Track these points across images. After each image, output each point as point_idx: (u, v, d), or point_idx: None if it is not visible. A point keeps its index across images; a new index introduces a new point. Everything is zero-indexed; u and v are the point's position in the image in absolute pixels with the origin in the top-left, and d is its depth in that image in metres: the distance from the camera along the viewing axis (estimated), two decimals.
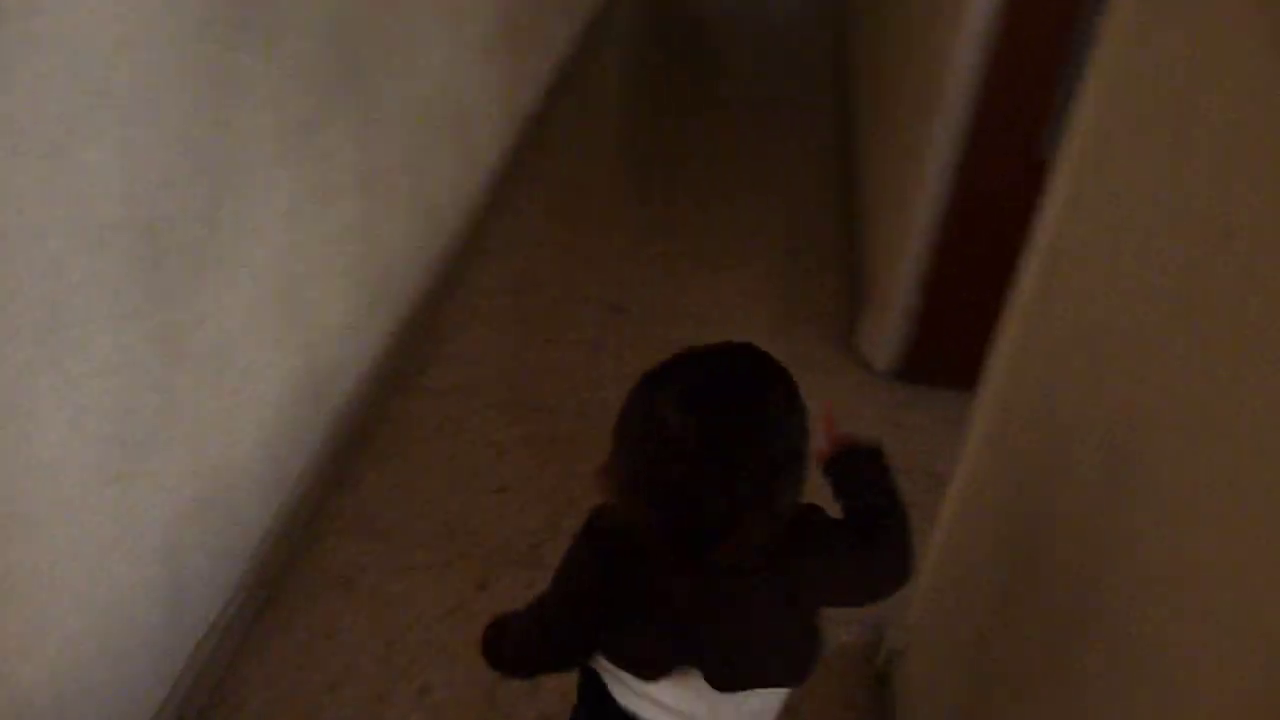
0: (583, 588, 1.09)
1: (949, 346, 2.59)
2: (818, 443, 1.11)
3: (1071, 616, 1.09)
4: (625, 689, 1.11)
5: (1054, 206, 1.33)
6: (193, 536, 1.65)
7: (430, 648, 1.86)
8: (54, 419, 1.27)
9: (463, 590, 1.98)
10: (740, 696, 1.09)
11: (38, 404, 1.24)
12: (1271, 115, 0.81)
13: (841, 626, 1.94)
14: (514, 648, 1.19)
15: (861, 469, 1.15)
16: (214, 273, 1.60)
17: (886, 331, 2.58)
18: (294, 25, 1.77)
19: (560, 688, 1.60)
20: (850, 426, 1.20)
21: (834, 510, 1.13)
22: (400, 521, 2.13)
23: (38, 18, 1.15)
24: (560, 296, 2.90)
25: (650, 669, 1.08)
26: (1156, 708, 0.88)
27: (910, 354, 2.59)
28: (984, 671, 1.43)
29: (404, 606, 1.94)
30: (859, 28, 4.27)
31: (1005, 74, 2.16)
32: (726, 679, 1.07)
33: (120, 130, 1.32)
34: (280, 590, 1.95)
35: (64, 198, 1.23)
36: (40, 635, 1.32)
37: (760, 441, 0.95)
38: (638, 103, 4.22)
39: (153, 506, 1.52)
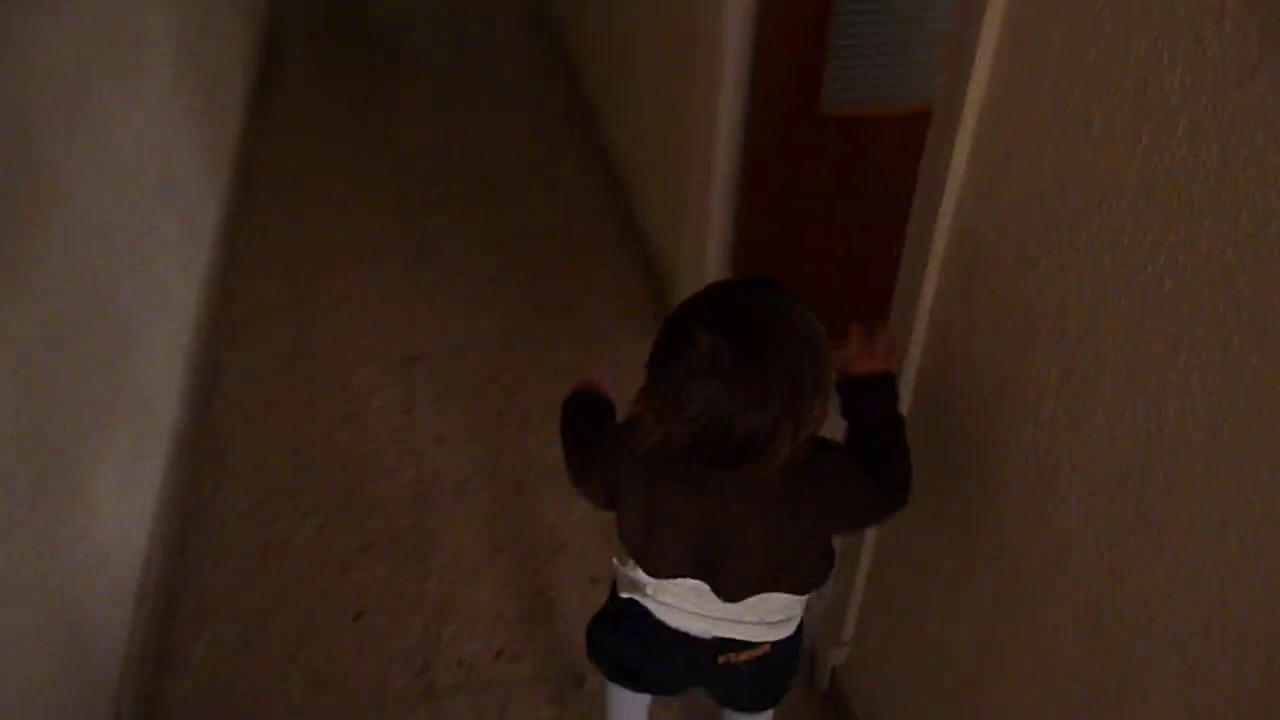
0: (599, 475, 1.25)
1: None
2: (838, 359, 1.17)
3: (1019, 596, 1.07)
4: (646, 597, 1.27)
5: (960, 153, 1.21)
6: None
7: None
8: None
9: None
10: (750, 605, 1.22)
11: None
12: None
13: None
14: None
15: (867, 396, 1.20)
16: None
17: None
18: None
19: None
20: None
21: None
22: None
23: None
24: (341, 359, 2.55)
25: (658, 568, 1.23)
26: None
27: None
28: (935, 668, 1.40)
29: None
30: (577, 15, 4.06)
31: (778, 34, 2.04)
32: (732, 592, 1.20)
33: None
34: None
35: None
36: None
37: (787, 363, 1.00)
38: (349, 119, 3.78)
39: None
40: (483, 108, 3.77)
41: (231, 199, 2.98)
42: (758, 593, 1.21)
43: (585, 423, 1.34)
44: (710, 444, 1.03)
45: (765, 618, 1.25)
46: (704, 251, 2.36)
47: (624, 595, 1.30)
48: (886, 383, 1.21)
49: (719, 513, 1.15)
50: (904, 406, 1.36)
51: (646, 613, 1.29)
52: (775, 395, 0.99)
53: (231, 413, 2.38)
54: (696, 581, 1.21)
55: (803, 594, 1.25)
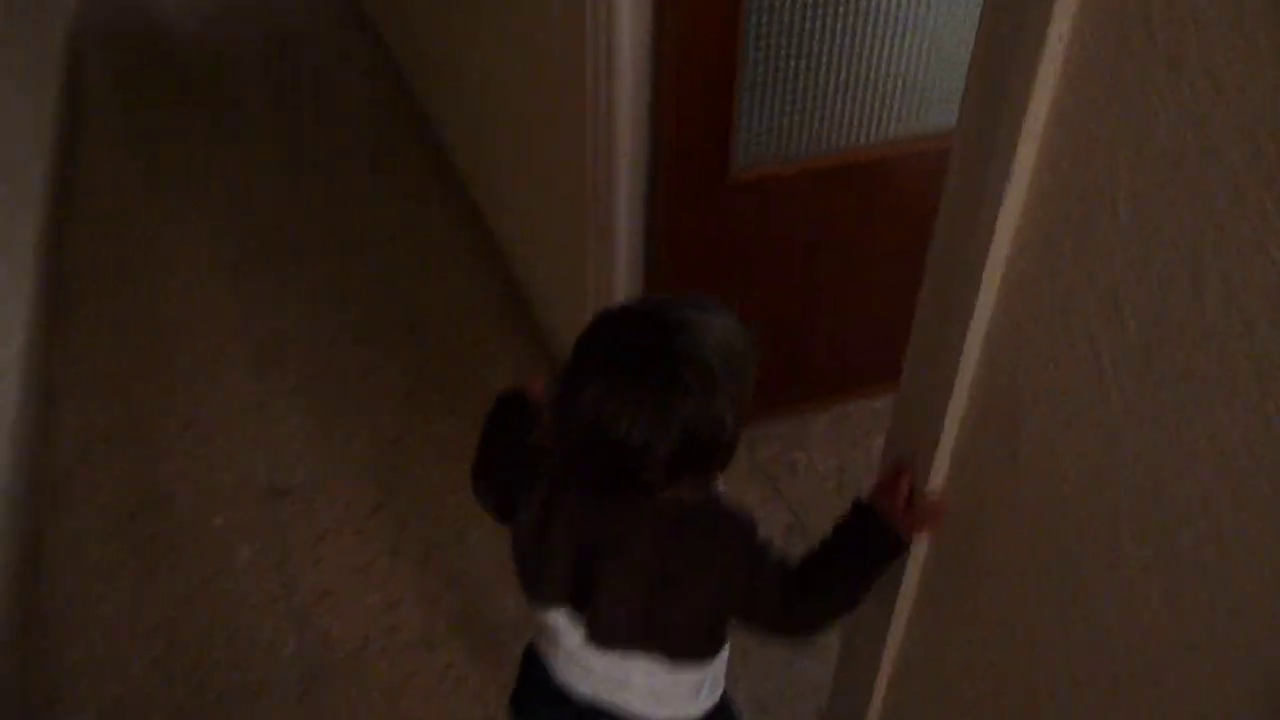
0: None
1: None
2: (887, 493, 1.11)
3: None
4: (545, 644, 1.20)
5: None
6: None
7: None
8: None
9: None
10: (623, 663, 1.12)
11: None
12: None
13: None
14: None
15: (868, 534, 1.09)
16: None
17: None
18: None
19: None
20: None
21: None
22: None
23: None
24: (194, 505, 2.14)
25: (534, 589, 1.15)
26: None
27: None
28: None
29: None
30: (425, 63, 3.70)
31: (680, 97, 1.77)
32: (602, 636, 1.11)
33: None
34: None
35: None
36: None
37: (684, 379, 0.92)
38: (175, 196, 3.32)
39: None
40: (331, 169, 3.36)
41: (38, 320, 2.52)
42: (627, 647, 1.12)
43: (495, 423, 1.24)
44: (588, 455, 0.98)
45: (641, 690, 1.15)
46: None
47: (529, 643, 1.27)
48: (895, 543, 1.10)
49: (600, 535, 1.08)
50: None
51: (544, 668, 1.22)
52: (654, 411, 0.91)
53: (58, 596, 1.96)
54: (571, 622, 1.13)
55: (676, 664, 1.12)
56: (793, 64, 1.81)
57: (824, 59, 1.82)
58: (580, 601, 1.11)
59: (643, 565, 1.06)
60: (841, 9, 1.77)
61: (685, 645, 1.11)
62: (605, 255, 1.96)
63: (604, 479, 1.00)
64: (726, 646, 1.15)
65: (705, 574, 1.06)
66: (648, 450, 0.92)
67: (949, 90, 1.95)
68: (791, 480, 2.20)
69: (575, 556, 1.09)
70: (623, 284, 1.99)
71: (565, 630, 1.14)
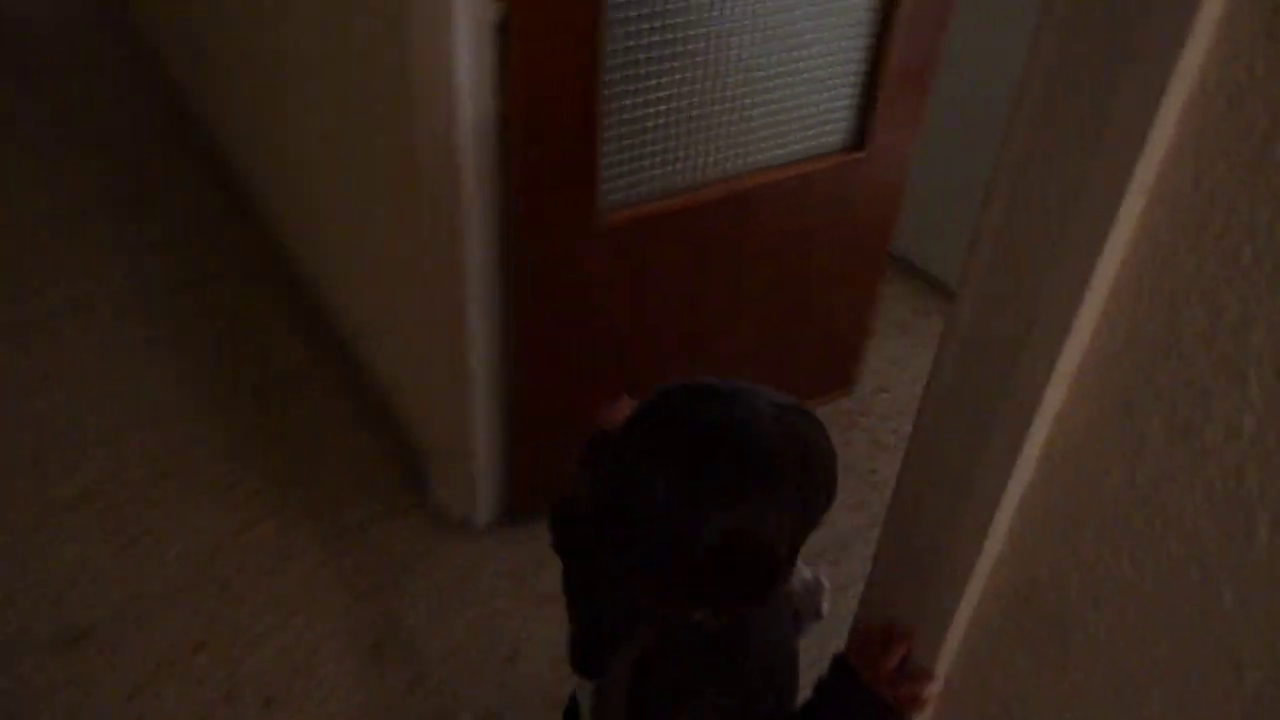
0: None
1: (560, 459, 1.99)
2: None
3: None
4: None
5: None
6: None
7: None
8: None
9: None
10: None
11: None
12: None
13: None
14: None
15: (853, 700, 0.90)
16: None
17: (473, 472, 1.89)
18: None
19: None
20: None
21: None
22: None
23: None
24: None
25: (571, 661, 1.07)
26: None
27: (515, 486, 1.94)
28: None
29: None
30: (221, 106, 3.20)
31: (535, 143, 1.49)
32: None
33: None
34: None
35: None
36: None
37: (648, 518, 0.78)
38: None
39: None
40: (123, 229, 2.86)
41: None
42: None
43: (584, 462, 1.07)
44: (610, 539, 0.84)
45: None
46: (469, 415, 1.78)
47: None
48: (885, 711, 0.89)
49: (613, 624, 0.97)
50: None
51: None
52: (632, 544, 0.80)
53: None
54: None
55: None
56: (651, 109, 1.58)
57: (679, 101, 1.60)
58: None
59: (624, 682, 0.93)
60: (696, 55, 1.55)
61: None
62: (454, 329, 1.67)
63: (612, 553, 0.85)
64: None
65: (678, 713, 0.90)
66: (677, 542, 0.77)
67: (798, 124, 1.78)
68: None
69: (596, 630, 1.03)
70: (480, 359, 1.70)
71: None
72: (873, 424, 2.28)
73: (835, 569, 1.88)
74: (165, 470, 2.05)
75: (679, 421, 0.80)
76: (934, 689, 0.90)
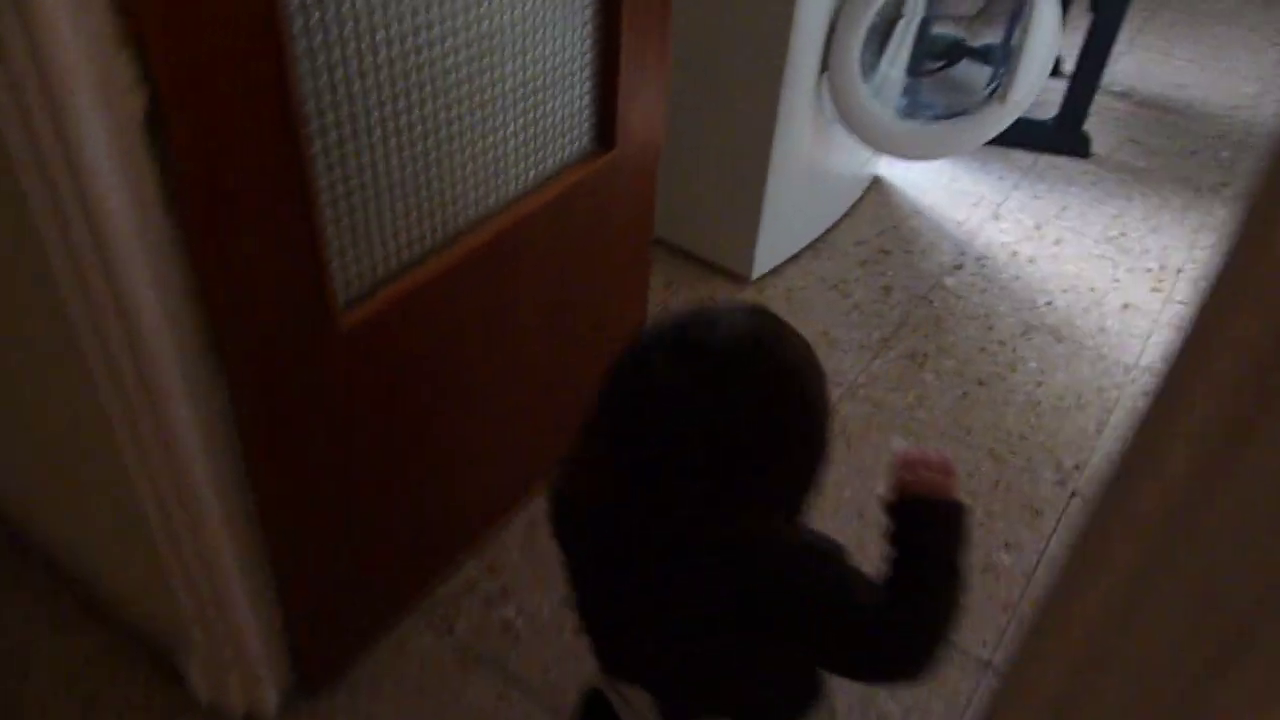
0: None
1: (359, 614, 1.62)
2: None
3: None
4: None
5: None
6: None
7: None
8: None
9: None
10: None
11: None
12: None
13: None
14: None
15: (928, 524, 0.93)
16: None
17: (243, 653, 1.48)
18: None
19: None
20: None
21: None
22: None
23: None
24: None
25: (606, 665, 1.05)
26: None
27: (302, 653, 1.55)
28: None
29: None
30: None
31: (235, 251, 1.08)
32: (673, 703, 1.01)
33: None
34: None
35: None
36: None
37: (750, 392, 0.83)
38: None
39: None
40: None
41: None
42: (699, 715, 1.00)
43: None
44: (632, 479, 0.86)
45: None
46: (221, 589, 1.36)
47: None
48: (956, 512, 0.94)
49: (657, 595, 0.93)
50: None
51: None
52: (715, 427, 0.82)
53: None
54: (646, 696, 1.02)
55: None
56: (375, 169, 1.21)
57: (410, 149, 1.24)
58: (651, 674, 1.02)
59: (709, 619, 0.91)
60: (414, 88, 1.20)
61: (774, 706, 1.02)
62: (182, 491, 1.24)
63: (644, 506, 0.87)
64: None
65: (788, 620, 0.89)
66: (727, 427, 0.82)
67: (541, 138, 1.47)
68: (513, 645, 1.69)
69: (634, 627, 1.00)
70: (218, 516, 1.28)
71: (638, 698, 1.04)
72: None
73: None
74: None
75: (656, 342, 0.85)
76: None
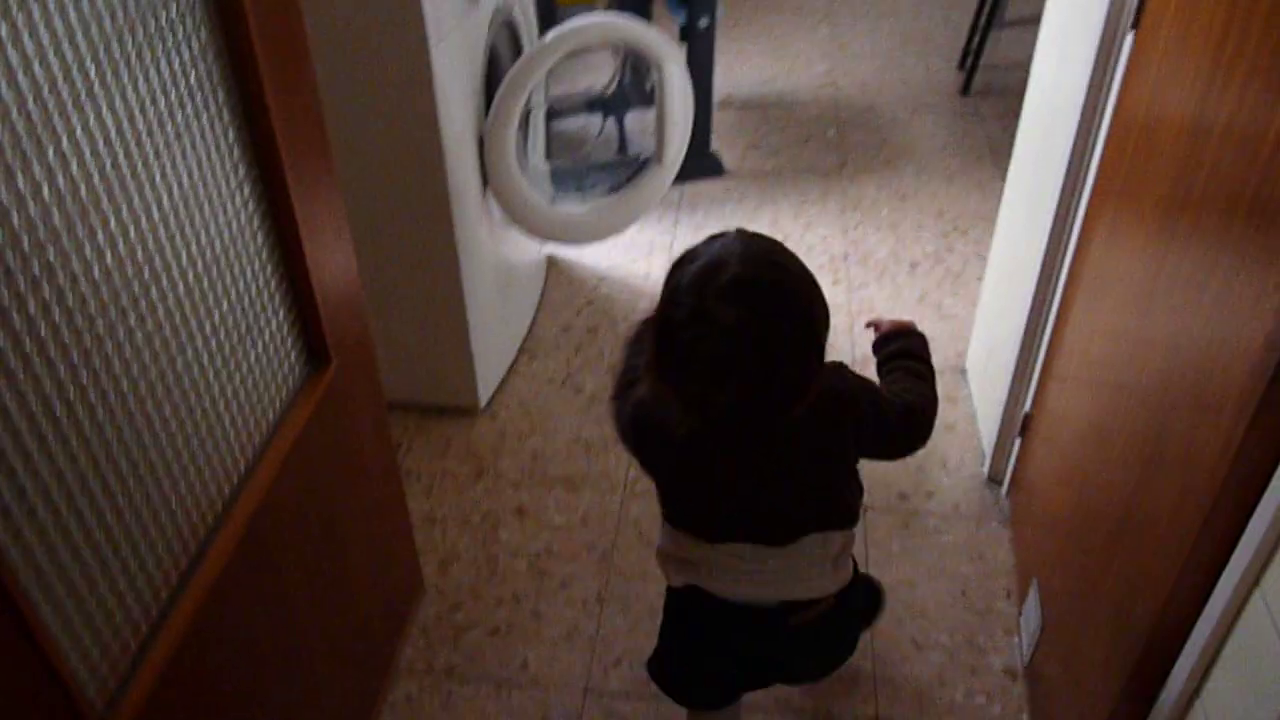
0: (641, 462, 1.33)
1: None
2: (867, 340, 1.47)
3: None
4: (695, 568, 1.32)
5: None
6: None
7: None
8: None
9: None
10: (798, 550, 1.28)
11: None
12: None
13: None
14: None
15: (905, 342, 1.40)
16: None
17: None
18: None
19: None
20: None
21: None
22: None
23: None
24: None
25: (713, 532, 1.28)
26: None
27: None
28: None
29: None
30: None
31: None
32: (776, 537, 1.27)
33: None
34: None
35: None
36: None
37: (800, 304, 1.08)
38: None
39: None
40: None
41: None
42: (802, 533, 1.27)
43: (635, 346, 1.35)
44: (748, 408, 1.11)
45: (819, 565, 1.30)
46: None
47: (679, 584, 1.36)
48: (917, 333, 1.42)
49: (760, 463, 1.21)
50: None
51: (709, 597, 1.34)
52: (798, 337, 1.08)
53: None
54: (749, 545, 1.27)
55: (843, 528, 1.31)
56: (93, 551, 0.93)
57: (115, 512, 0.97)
58: (758, 524, 1.26)
59: (804, 454, 1.22)
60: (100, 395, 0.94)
61: (848, 507, 1.31)
62: None
63: (766, 413, 1.12)
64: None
65: (849, 436, 1.23)
66: (805, 376, 1.10)
67: (251, 389, 1.25)
68: None
69: (742, 494, 1.24)
70: None
71: (743, 552, 1.28)
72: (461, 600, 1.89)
73: None
74: None
75: (703, 291, 1.06)
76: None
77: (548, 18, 2.55)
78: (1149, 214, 1.35)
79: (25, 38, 0.81)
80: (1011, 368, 2.02)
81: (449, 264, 2.10)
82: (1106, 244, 1.56)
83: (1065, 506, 1.69)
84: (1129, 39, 1.51)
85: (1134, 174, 1.44)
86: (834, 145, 3.41)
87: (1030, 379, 1.97)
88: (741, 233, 1.13)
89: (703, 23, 2.97)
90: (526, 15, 2.36)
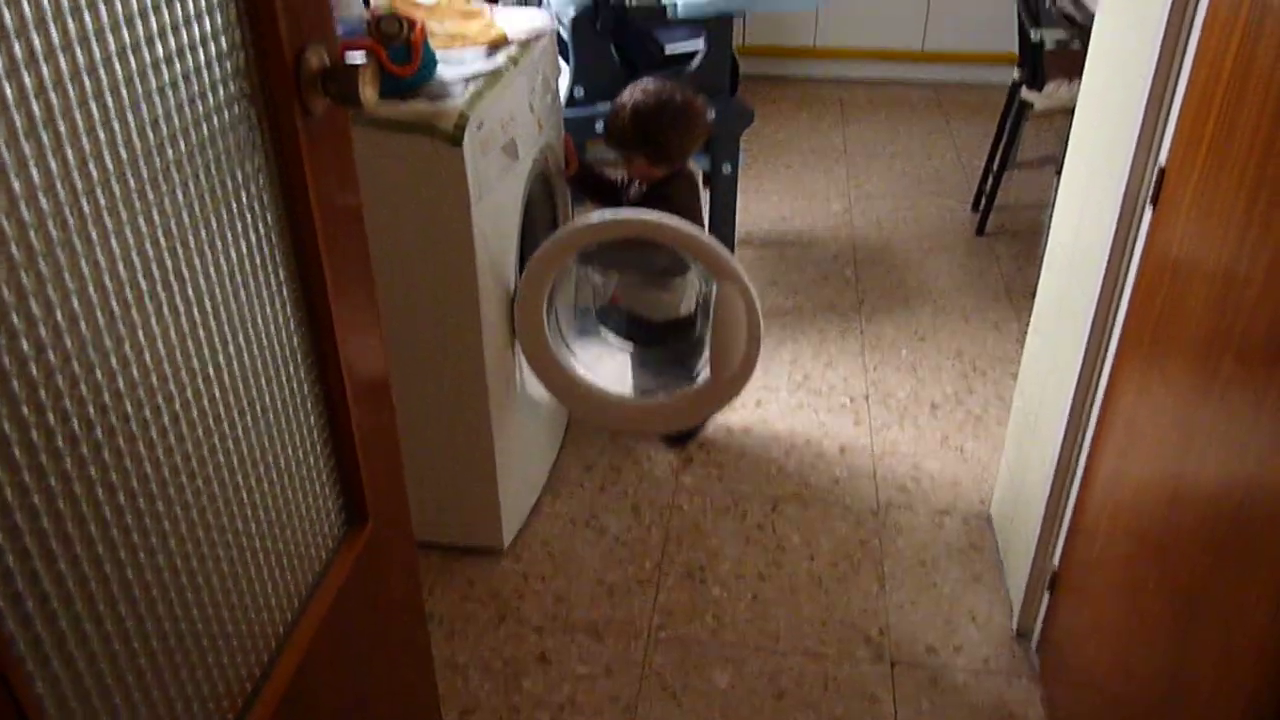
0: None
1: None
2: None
3: None
4: None
5: None
6: None
7: None
8: None
9: None
10: None
11: None
12: None
13: None
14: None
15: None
16: None
17: None
18: None
19: None
20: None
21: None
22: None
23: None
24: None
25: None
26: None
27: None
28: None
29: None
30: None
31: None
32: None
33: None
34: None
35: None
36: None
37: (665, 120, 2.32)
38: None
39: None
40: None
41: None
42: None
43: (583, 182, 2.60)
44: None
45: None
46: None
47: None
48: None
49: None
50: None
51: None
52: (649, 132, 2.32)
53: None
54: None
55: None
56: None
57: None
58: None
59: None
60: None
61: None
62: None
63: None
64: None
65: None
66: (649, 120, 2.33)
67: (286, 560, 1.26)
68: None
69: None
70: None
71: None
72: None
73: None
74: None
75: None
76: None
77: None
78: (1185, 359, 1.37)
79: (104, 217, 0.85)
80: (1039, 517, 2.02)
81: (479, 407, 2.13)
82: (1138, 390, 1.58)
83: (1099, 665, 1.67)
84: (1148, 212, 1.57)
85: (1166, 320, 1.46)
86: (852, 284, 3.48)
87: (1059, 529, 1.97)
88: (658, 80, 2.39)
89: (726, 169, 3.07)
90: (559, 167, 2.45)
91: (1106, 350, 1.73)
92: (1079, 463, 1.85)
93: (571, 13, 2.79)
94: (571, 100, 2.88)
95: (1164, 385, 1.45)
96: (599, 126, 2.91)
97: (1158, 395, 1.48)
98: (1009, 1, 3.71)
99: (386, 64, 1.80)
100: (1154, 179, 1.55)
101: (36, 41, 0.76)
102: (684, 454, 2.65)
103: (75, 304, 0.83)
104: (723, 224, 3.20)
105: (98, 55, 0.84)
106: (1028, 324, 2.26)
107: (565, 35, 2.83)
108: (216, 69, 1.01)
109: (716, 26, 2.89)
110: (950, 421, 2.77)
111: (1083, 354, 1.79)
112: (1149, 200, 1.56)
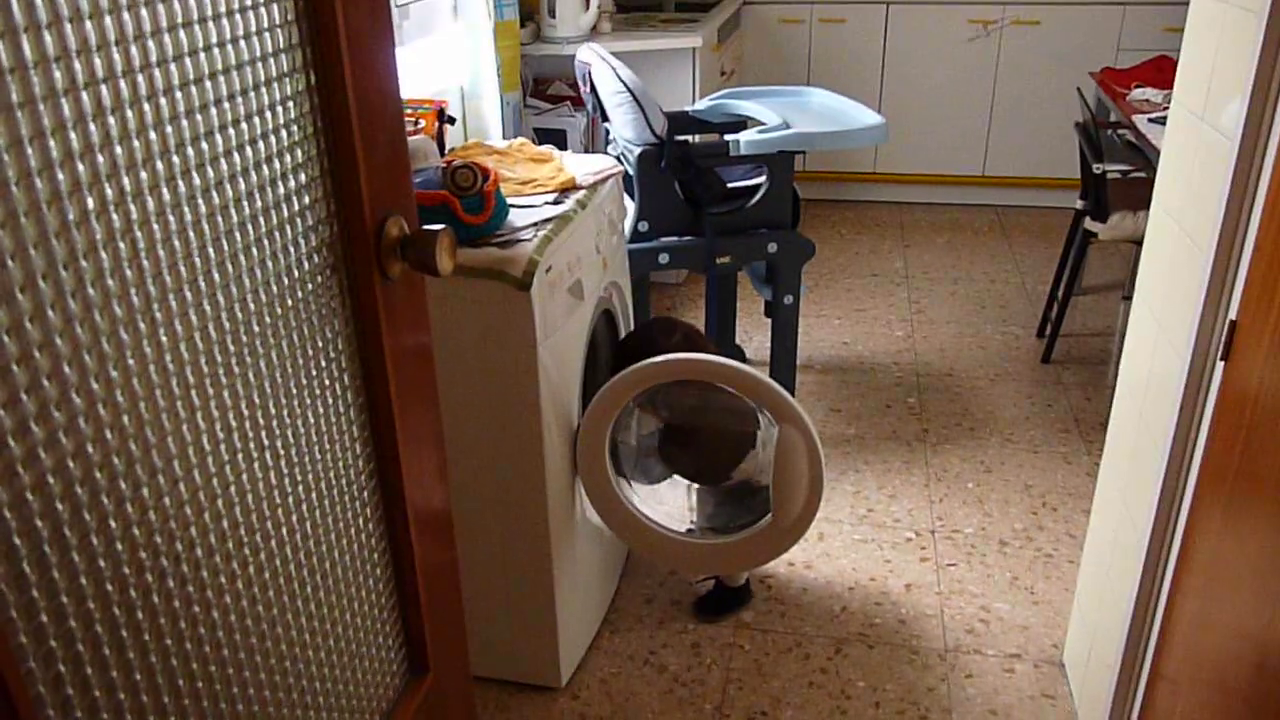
0: None
1: None
2: None
3: None
4: None
5: None
6: None
7: None
8: None
9: None
10: None
11: None
12: None
13: None
14: None
15: None
16: None
17: None
18: None
19: None
20: None
21: None
22: None
23: None
24: None
25: None
26: None
27: None
28: None
29: None
30: None
31: None
32: None
33: None
34: None
35: None
36: None
37: None
38: None
39: None
40: None
41: None
42: None
43: None
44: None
45: None
46: None
47: None
48: None
49: None
50: None
51: None
52: None
53: None
54: None
55: None
56: None
57: None
58: None
59: None
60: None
61: None
62: None
63: None
64: None
65: None
66: None
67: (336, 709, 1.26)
68: None
69: None
70: None
71: None
72: None
73: None
74: None
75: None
76: None
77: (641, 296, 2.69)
78: (1272, 501, 1.32)
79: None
80: (1117, 665, 1.94)
81: (539, 542, 2.13)
82: (1221, 530, 1.52)
83: None
84: (1219, 366, 1.54)
85: (1251, 455, 1.42)
86: (916, 413, 3.45)
87: (1139, 679, 1.88)
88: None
89: (788, 300, 3.10)
90: (623, 301, 2.50)
91: (1185, 488, 1.68)
92: (1158, 607, 1.78)
93: (637, 151, 2.88)
94: (636, 234, 2.95)
95: (1254, 522, 1.40)
96: (662, 259, 2.97)
97: (1247, 533, 1.42)
98: (1071, 129, 3.75)
99: (460, 213, 1.87)
100: (1225, 333, 1.53)
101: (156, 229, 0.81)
102: (723, 622, 2.57)
103: (176, 467, 0.86)
104: (784, 355, 3.22)
105: (208, 235, 0.90)
106: (1099, 457, 2.21)
107: (631, 171, 2.92)
108: (303, 243, 1.06)
109: (778, 162, 2.96)
110: (1020, 561, 2.70)
111: (1158, 491, 1.74)
112: (1219, 356, 1.54)
